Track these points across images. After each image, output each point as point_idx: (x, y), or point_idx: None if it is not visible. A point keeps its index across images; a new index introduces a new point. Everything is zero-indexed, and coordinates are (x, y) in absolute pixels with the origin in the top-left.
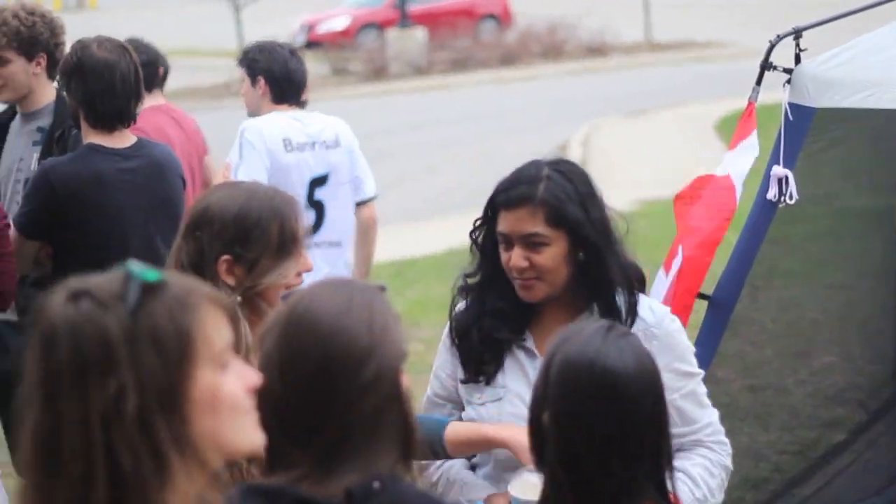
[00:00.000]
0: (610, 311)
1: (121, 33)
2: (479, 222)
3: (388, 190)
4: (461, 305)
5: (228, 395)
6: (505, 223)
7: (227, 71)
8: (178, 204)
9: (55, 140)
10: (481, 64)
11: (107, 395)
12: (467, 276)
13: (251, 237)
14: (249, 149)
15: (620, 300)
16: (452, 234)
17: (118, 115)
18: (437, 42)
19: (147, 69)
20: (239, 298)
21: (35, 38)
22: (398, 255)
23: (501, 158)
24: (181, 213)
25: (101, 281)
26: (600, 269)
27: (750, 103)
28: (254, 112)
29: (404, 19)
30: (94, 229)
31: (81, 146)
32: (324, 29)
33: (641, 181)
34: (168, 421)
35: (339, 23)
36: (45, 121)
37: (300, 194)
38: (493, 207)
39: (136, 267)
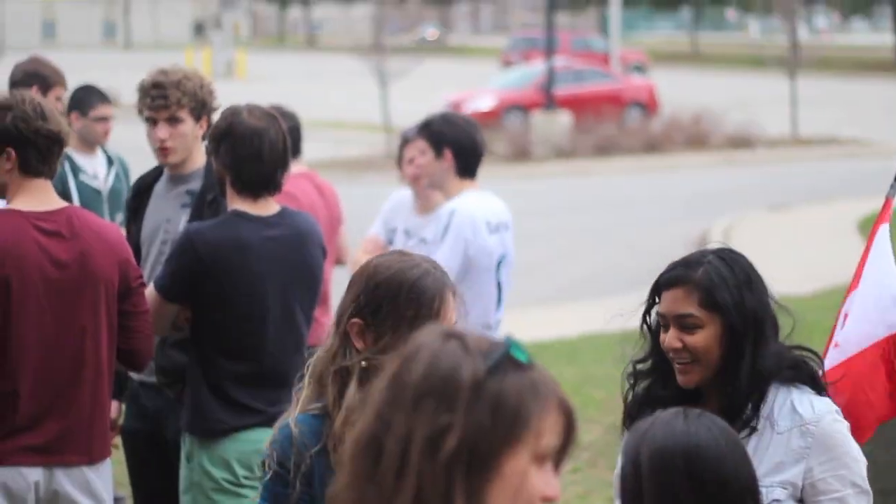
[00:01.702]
0: (736, 405)
1: (267, 102)
2: (645, 305)
3: (524, 273)
4: (630, 394)
5: (531, 490)
6: (663, 304)
7: (369, 145)
8: (318, 273)
9: (206, 204)
10: (625, 150)
11: (433, 426)
12: (636, 362)
13: (382, 310)
14: (456, 236)
15: (744, 396)
16: (586, 318)
17: (264, 182)
18: (581, 126)
19: (291, 135)
20: (364, 364)
21: (204, 101)
22: (531, 337)
23: (640, 247)
24: (320, 283)
25: (477, 335)
26: (736, 359)
27: (887, 200)
28: (434, 184)
29: (550, 103)
30: (234, 295)
31: (226, 212)
32: (469, 108)
33: (782, 277)
34: (470, 477)
35: (485, 103)
36: (195, 184)
37: (493, 275)
38: (657, 289)
39: (515, 341)
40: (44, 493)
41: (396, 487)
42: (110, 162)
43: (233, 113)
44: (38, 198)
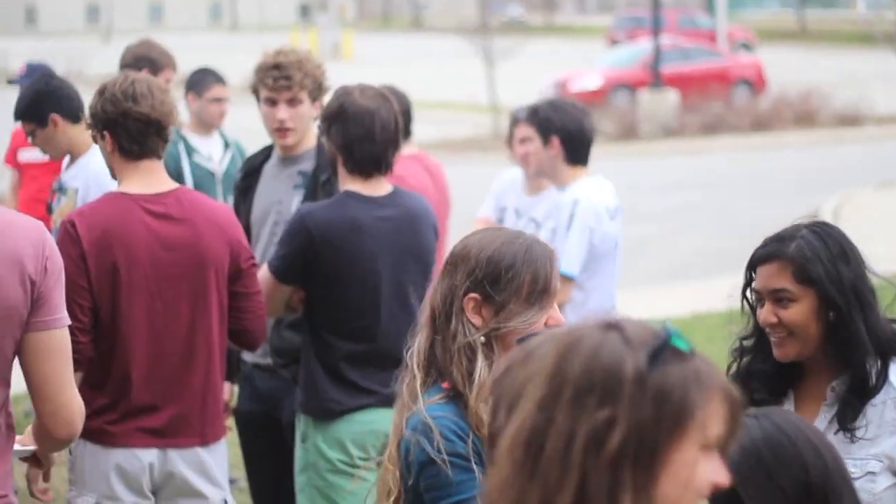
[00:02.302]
0: (860, 376)
1: (375, 83)
2: (743, 282)
3: (633, 252)
4: (734, 367)
5: (700, 480)
6: (758, 279)
7: (475, 125)
8: (430, 254)
9: (320, 185)
10: (732, 128)
11: (596, 421)
12: (743, 338)
13: (501, 279)
14: (581, 226)
15: (870, 365)
16: (697, 297)
17: (376, 162)
18: (688, 105)
19: (403, 117)
20: (482, 339)
21: (321, 83)
22: (643, 317)
23: (748, 225)
24: (433, 264)
25: (637, 325)
26: (847, 331)
27: None
28: (542, 172)
29: (657, 81)
30: (347, 275)
31: (338, 192)
32: (576, 87)
33: (891, 255)
34: (637, 473)
35: (592, 82)
36: (307, 165)
37: (613, 260)
38: (752, 265)
39: (675, 329)
40: (158, 474)
41: (559, 485)
42: (227, 145)
43: (345, 93)
44: (147, 180)
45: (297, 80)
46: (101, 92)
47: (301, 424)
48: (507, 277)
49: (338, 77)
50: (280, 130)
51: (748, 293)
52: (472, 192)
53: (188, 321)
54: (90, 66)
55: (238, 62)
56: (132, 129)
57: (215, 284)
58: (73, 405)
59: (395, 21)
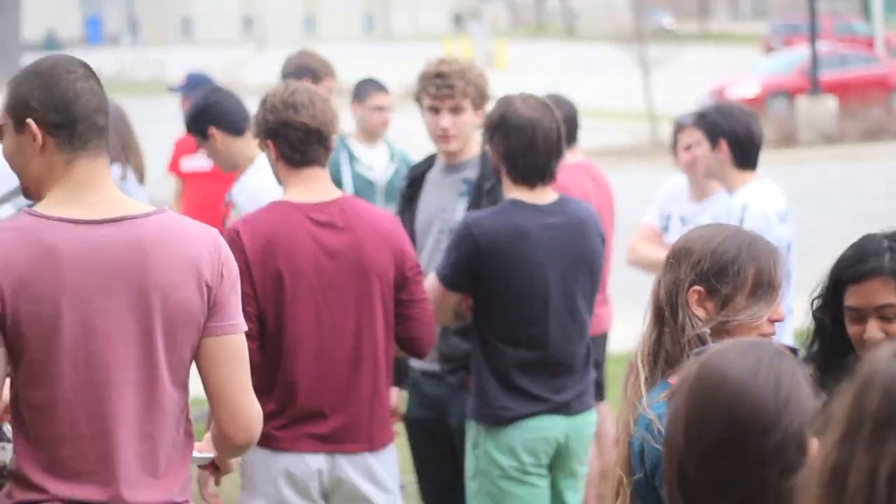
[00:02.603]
0: None
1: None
2: (820, 300)
3: (799, 260)
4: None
5: None
6: (855, 298)
7: (631, 133)
8: (598, 261)
9: (484, 193)
10: (894, 135)
11: None
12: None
13: (727, 272)
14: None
15: None
16: None
17: (539, 172)
18: (847, 111)
19: (567, 125)
20: (708, 331)
21: (483, 91)
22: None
23: None
24: (600, 271)
25: None
26: None
27: None
28: (712, 175)
29: (815, 88)
30: (515, 283)
31: (504, 201)
32: (733, 95)
33: None
34: None
35: (749, 89)
36: (471, 172)
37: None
38: (839, 283)
39: None
40: (327, 479)
41: None
42: (393, 156)
43: (507, 103)
44: (311, 188)
45: (460, 88)
46: (264, 102)
47: (472, 431)
48: (733, 270)
49: (493, 86)
50: (443, 138)
51: (824, 310)
52: (631, 199)
53: (354, 329)
54: (245, 75)
55: (392, 71)
56: (293, 138)
57: (380, 292)
58: (251, 410)
59: (548, 29)
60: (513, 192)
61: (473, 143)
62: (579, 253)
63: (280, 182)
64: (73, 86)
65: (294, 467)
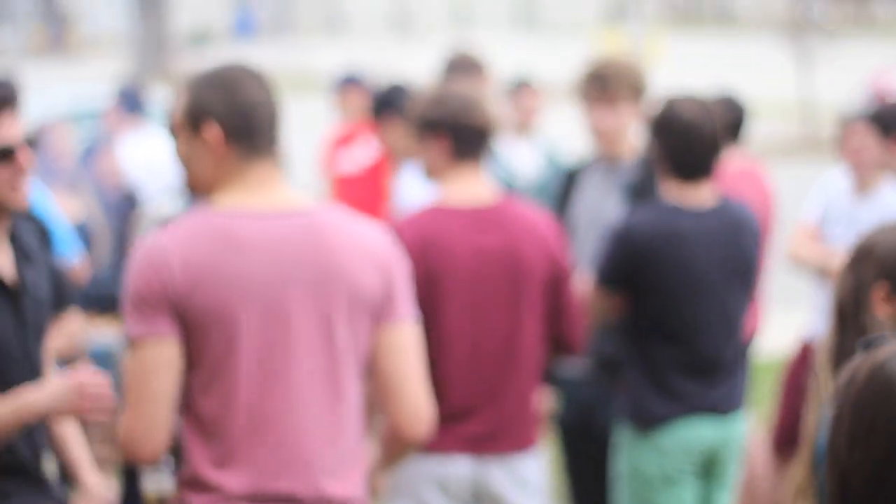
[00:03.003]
0: None
1: (691, 86)
2: None
3: None
4: None
5: None
6: None
7: (789, 126)
8: (752, 264)
9: (641, 193)
10: None
11: None
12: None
13: None
14: None
15: None
16: None
17: (698, 171)
18: None
19: (734, 125)
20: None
21: (642, 90)
22: None
23: None
24: (755, 274)
25: None
26: None
27: None
28: (885, 169)
29: None
30: (670, 285)
31: (661, 202)
32: (894, 85)
33: None
34: None
35: None
36: (629, 173)
37: None
38: None
39: None
40: (474, 481)
41: None
42: (541, 153)
43: (668, 103)
44: (471, 187)
45: (619, 88)
46: (436, 97)
47: (623, 433)
48: None
49: (653, 78)
50: (604, 136)
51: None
52: (790, 193)
53: (505, 329)
54: (397, 68)
55: (545, 63)
56: (466, 136)
57: (533, 293)
58: (426, 402)
59: (704, 19)
60: (671, 192)
61: (631, 143)
62: (734, 255)
63: (434, 177)
64: (253, 93)
65: (440, 469)
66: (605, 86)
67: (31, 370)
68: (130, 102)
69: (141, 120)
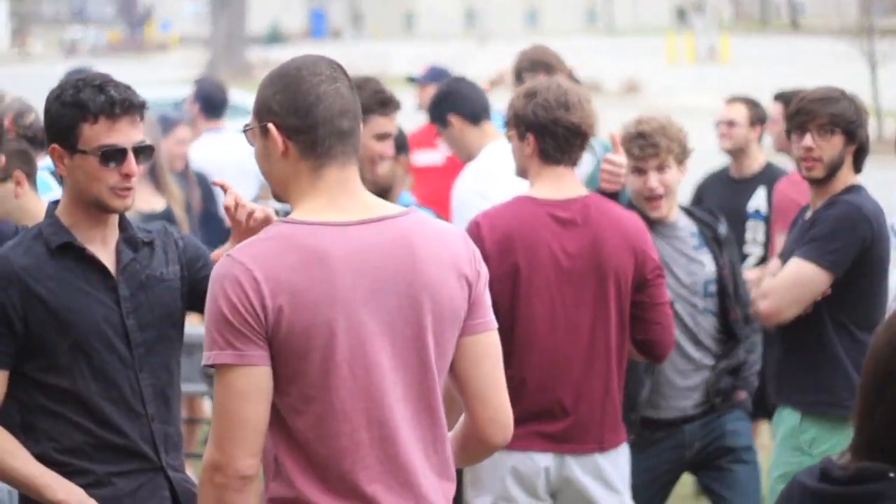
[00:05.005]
0: None
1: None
2: None
3: None
4: None
5: None
6: None
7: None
8: None
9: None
10: None
11: None
12: None
13: None
14: None
15: None
16: None
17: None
18: None
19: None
20: None
21: (686, 146)
22: None
23: None
24: None
25: None
26: None
27: None
28: None
29: None
30: (885, 270)
31: (854, 188)
32: None
33: None
34: None
35: None
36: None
37: None
38: None
39: None
40: (554, 478)
41: None
42: (594, 150)
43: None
44: (557, 185)
45: (664, 145)
46: (531, 95)
47: (802, 424)
48: None
49: (715, 80)
50: (651, 199)
51: None
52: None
53: (588, 328)
54: (469, 69)
55: (616, 66)
56: (560, 137)
57: (617, 293)
58: (509, 408)
59: (772, 23)
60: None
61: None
62: None
63: (525, 174)
64: (316, 89)
65: (522, 465)
66: (648, 143)
67: (132, 357)
68: (208, 104)
69: (220, 122)
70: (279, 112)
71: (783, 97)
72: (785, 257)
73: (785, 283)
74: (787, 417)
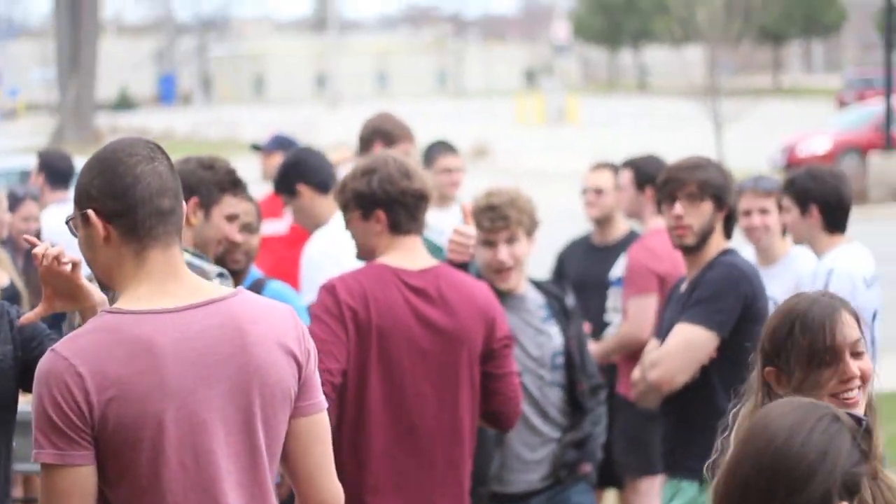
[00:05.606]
0: None
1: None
2: None
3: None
4: None
5: None
6: None
7: None
8: None
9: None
10: None
11: None
12: None
13: (783, 350)
14: None
15: None
16: None
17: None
18: None
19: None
20: None
21: (535, 218)
22: (876, 388)
23: None
24: None
25: None
26: None
27: None
28: (801, 241)
29: (888, 144)
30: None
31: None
32: (804, 152)
33: None
34: None
35: (821, 146)
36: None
37: (869, 331)
38: None
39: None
40: None
41: None
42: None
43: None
44: (409, 255)
45: (514, 218)
46: (369, 172)
47: (684, 489)
48: (788, 349)
49: (564, 140)
50: (500, 272)
51: None
52: None
53: (435, 398)
54: (319, 134)
55: (465, 127)
56: (411, 205)
57: (467, 363)
58: (340, 492)
59: (620, 84)
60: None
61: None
62: None
63: (366, 252)
64: (133, 170)
65: None
66: (498, 216)
67: None
68: (53, 175)
69: (66, 192)
70: (98, 197)
71: (632, 164)
72: (663, 334)
73: (674, 348)
74: (686, 489)
